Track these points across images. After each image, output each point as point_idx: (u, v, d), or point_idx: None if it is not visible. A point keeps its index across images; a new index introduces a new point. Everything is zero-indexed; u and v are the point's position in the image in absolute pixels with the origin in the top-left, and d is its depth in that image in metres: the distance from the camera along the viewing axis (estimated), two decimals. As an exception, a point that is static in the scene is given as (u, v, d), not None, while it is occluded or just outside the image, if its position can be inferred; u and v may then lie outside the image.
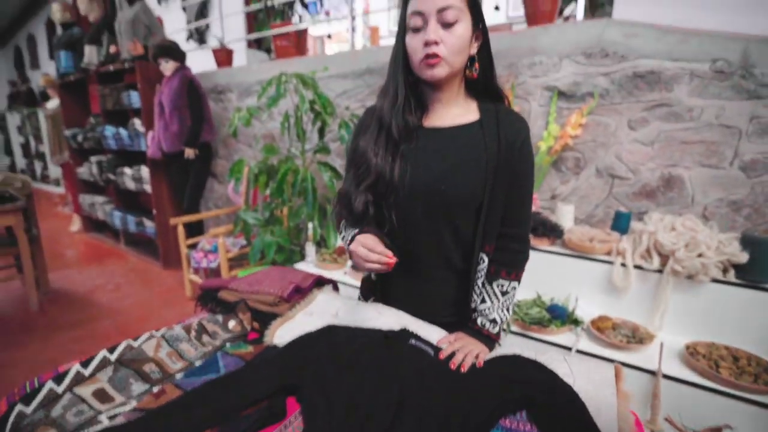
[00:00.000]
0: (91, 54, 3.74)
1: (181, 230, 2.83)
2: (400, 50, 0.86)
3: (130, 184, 3.65)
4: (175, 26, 4.50)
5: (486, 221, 0.87)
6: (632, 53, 1.77)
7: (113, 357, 0.89)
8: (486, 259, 0.90)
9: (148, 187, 3.44)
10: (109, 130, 3.68)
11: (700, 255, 1.41)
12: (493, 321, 0.91)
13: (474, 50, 0.85)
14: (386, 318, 0.95)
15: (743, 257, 1.38)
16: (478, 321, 0.92)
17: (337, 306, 1.06)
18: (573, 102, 1.92)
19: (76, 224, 4.79)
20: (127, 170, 3.65)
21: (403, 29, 0.85)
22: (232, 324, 1.12)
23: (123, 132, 3.55)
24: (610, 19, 1.81)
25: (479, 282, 0.91)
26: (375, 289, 1.07)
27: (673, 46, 1.69)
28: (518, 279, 0.92)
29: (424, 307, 0.98)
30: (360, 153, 0.91)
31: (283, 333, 0.98)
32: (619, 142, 1.84)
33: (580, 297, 1.67)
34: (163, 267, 3.52)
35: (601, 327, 1.51)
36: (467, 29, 0.81)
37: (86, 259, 3.88)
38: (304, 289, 1.22)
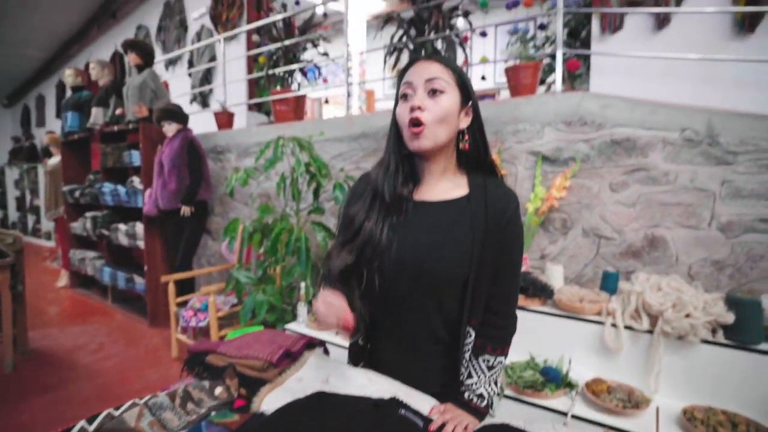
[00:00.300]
0: (97, 115, 3.91)
1: (171, 287, 2.80)
2: (394, 123, 0.91)
3: (124, 240, 3.65)
4: (181, 90, 4.75)
5: (473, 296, 0.87)
6: (608, 122, 1.90)
7: (92, 428, 0.86)
8: (473, 333, 0.90)
9: (141, 243, 3.45)
10: (107, 187, 3.76)
11: (687, 315, 1.43)
12: (480, 396, 0.89)
13: (464, 125, 0.89)
14: (377, 386, 0.93)
15: (730, 318, 1.40)
16: (466, 395, 0.90)
17: (328, 371, 1.05)
18: (557, 166, 2.02)
19: (63, 279, 4.71)
20: (122, 226, 3.67)
21: (395, 102, 0.90)
22: (218, 391, 1.09)
23: (121, 189, 3.62)
24: (586, 93, 1.96)
25: (466, 356, 0.91)
26: (363, 354, 1.06)
27: (645, 116, 1.83)
28: (504, 354, 0.91)
29: (412, 378, 0.96)
30: (351, 217, 0.93)
31: (272, 399, 0.96)
32: (602, 203, 1.92)
33: (573, 358, 1.64)
34: (150, 325, 3.43)
35: (596, 390, 1.49)
36: (454, 102, 0.85)
37: (70, 317, 3.78)
38: (294, 353, 1.20)
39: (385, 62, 3.06)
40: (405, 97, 0.87)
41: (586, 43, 2.82)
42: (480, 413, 0.89)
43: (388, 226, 0.89)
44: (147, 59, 3.50)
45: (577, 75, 2.93)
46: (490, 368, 0.90)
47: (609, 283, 1.75)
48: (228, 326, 2.66)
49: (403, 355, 0.96)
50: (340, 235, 0.96)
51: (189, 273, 3.02)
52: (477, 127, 0.91)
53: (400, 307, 0.91)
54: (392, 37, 2.86)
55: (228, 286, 2.47)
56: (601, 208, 1.92)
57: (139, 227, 3.46)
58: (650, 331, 1.50)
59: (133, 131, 3.53)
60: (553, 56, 2.61)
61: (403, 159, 0.92)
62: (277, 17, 3.51)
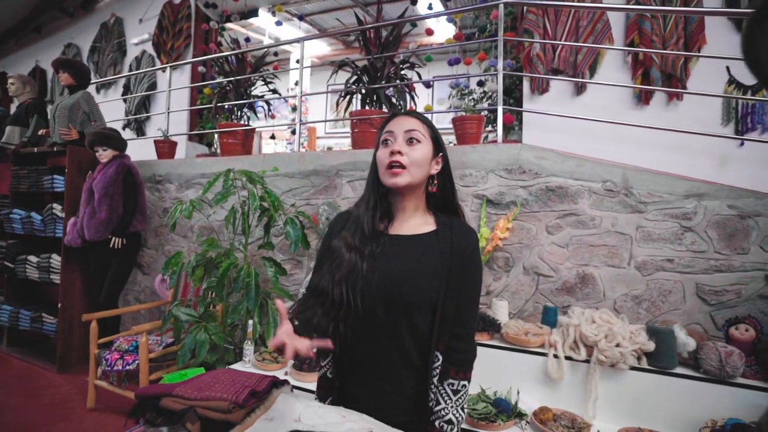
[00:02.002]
0: (12, 134, 3.53)
1: (93, 327, 2.51)
2: (374, 165, 1.01)
3: (33, 274, 3.23)
4: (113, 115, 4.46)
5: (440, 320, 0.95)
6: (544, 171, 2.14)
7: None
8: (440, 358, 0.96)
9: (56, 278, 3.07)
10: (18, 213, 3.34)
11: (617, 345, 1.61)
12: (449, 422, 0.94)
13: (435, 171, 1.02)
14: (352, 423, 0.94)
15: (651, 346, 1.60)
16: (436, 423, 0.95)
17: (299, 409, 1.02)
18: (500, 209, 2.21)
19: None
20: (32, 258, 3.25)
21: (376, 147, 1.02)
22: (177, 436, 1.01)
23: (36, 216, 3.24)
24: (524, 145, 2.21)
25: (435, 380, 0.96)
26: (332, 388, 1.06)
27: (573, 168, 2.09)
28: (467, 378, 0.98)
29: (382, 405, 0.99)
30: (334, 250, 0.99)
31: (243, 442, 0.91)
32: (540, 244, 2.12)
33: (521, 388, 1.75)
34: (58, 371, 3.01)
35: (543, 419, 1.59)
36: (428, 151, 0.99)
37: (-49, 366, 3.18)
38: (260, 393, 1.16)
39: (327, 102, 3.19)
40: (386, 143, 0.99)
41: (519, 101, 3.18)
42: None
43: (368, 256, 0.96)
44: (81, 80, 3.28)
45: (511, 127, 3.28)
46: (455, 392, 0.96)
47: (549, 317, 1.91)
48: (160, 369, 2.43)
49: (375, 381, 0.99)
50: (323, 268, 0.99)
51: (117, 310, 2.74)
52: (446, 174, 1.05)
53: (377, 331, 0.96)
54: (347, 82, 3.00)
55: (165, 324, 2.29)
56: (539, 248, 2.12)
57: (56, 259, 3.10)
58: (587, 361, 1.66)
59: (57, 154, 3.23)
60: (492, 110, 2.91)
61: (381, 196, 1.02)
62: (231, 52, 3.51)
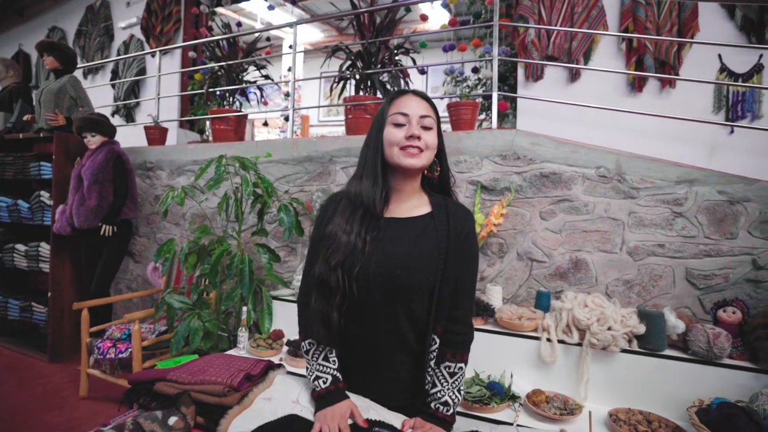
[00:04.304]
0: (-5, 120, 3.44)
1: (85, 315, 2.49)
2: (380, 142, 0.98)
3: (22, 263, 3.18)
4: (101, 101, 4.37)
5: (438, 303, 0.95)
6: (538, 157, 2.14)
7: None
8: (437, 341, 0.96)
9: (45, 266, 3.03)
10: (4, 201, 3.27)
11: (609, 328, 1.63)
12: (446, 403, 0.95)
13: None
14: None
15: (642, 329, 1.62)
16: (432, 405, 0.95)
17: (297, 391, 1.03)
18: (494, 195, 2.21)
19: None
20: (20, 247, 3.20)
21: (380, 124, 0.98)
22: (173, 420, 1.01)
23: (23, 204, 3.18)
24: (519, 131, 2.20)
25: (431, 364, 0.96)
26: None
27: (567, 154, 2.10)
28: (464, 360, 0.98)
29: (380, 389, 1.00)
30: (329, 235, 0.97)
31: (240, 423, 0.92)
32: (534, 230, 2.13)
33: (514, 372, 1.77)
34: (50, 361, 2.98)
35: (536, 401, 1.61)
36: (436, 137, 0.98)
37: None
38: (255, 376, 1.16)
39: (320, 90, 3.15)
40: (399, 124, 0.96)
41: (513, 88, 3.17)
42: (447, 423, 0.94)
43: (368, 238, 0.95)
44: (67, 64, 3.20)
45: (505, 114, 3.27)
46: (451, 375, 0.96)
47: (542, 302, 1.93)
48: (153, 357, 2.42)
49: (373, 365, 0.99)
50: (319, 255, 0.97)
51: (108, 299, 2.72)
52: (443, 158, 1.05)
53: (374, 316, 0.96)
54: (341, 67, 2.96)
55: (158, 311, 2.27)
56: (532, 234, 2.14)
57: (45, 248, 3.05)
58: (579, 344, 1.68)
59: (43, 140, 3.16)
60: (487, 97, 2.90)
61: (384, 175, 0.99)
62: (223, 36, 3.44)
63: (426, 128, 0.96)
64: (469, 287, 1.01)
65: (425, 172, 1.02)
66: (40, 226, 3.14)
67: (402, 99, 0.98)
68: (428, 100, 1.00)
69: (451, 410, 0.95)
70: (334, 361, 0.98)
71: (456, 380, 0.96)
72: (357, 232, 0.94)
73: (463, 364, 0.98)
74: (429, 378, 0.97)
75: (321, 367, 0.97)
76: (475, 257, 1.02)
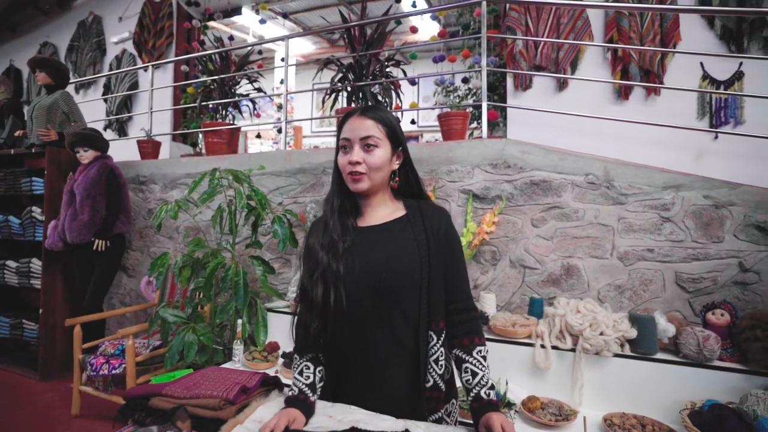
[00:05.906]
0: (-14, 136, 3.43)
1: (77, 332, 2.46)
2: (337, 167, 1.04)
3: (12, 279, 3.15)
4: (94, 116, 4.38)
5: (429, 300, 0.97)
6: (528, 166, 2.18)
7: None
8: (435, 338, 0.97)
9: (36, 283, 3.00)
10: (-5, 218, 3.25)
11: (601, 333, 1.65)
12: (492, 387, 0.95)
13: (396, 166, 1.05)
14: (336, 424, 0.94)
15: (633, 333, 1.65)
16: (482, 393, 0.92)
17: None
18: (486, 203, 2.24)
19: None
20: (11, 263, 3.17)
21: (336, 148, 1.04)
22: (168, 434, 1.00)
23: (14, 220, 3.16)
24: (509, 140, 2.24)
25: (460, 354, 0.97)
26: (325, 385, 1.07)
27: (556, 162, 2.14)
28: (484, 343, 1.00)
29: (378, 394, 1.00)
30: (309, 249, 1.03)
31: (236, 436, 0.92)
32: (526, 237, 2.16)
33: (509, 379, 1.78)
34: (40, 379, 2.94)
35: (531, 407, 1.62)
36: (386, 153, 1.00)
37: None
38: (251, 389, 1.16)
39: (313, 101, 3.18)
40: (344, 149, 1.01)
41: (503, 98, 3.22)
42: (497, 406, 0.93)
43: (342, 251, 0.98)
44: (59, 80, 3.21)
45: (495, 123, 3.32)
46: (484, 358, 0.98)
47: (536, 308, 1.95)
48: (146, 373, 2.39)
49: (370, 370, 1.00)
50: (306, 269, 1.03)
51: (101, 314, 2.69)
52: (408, 166, 1.08)
53: (366, 321, 0.97)
54: (332, 79, 3.00)
55: (152, 326, 2.26)
56: (525, 241, 2.16)
57: (36, 264, 3.03)
58: (573, 350, 1.70)
59: (35, 156, 3.15)
60: (477, 106, 2.94)
61: (346, 195, 1.05)
62: (215, 51, 3.47)
63: (370, 147, 0.98)
64: (462, 275, 1.04)
65: (390, 181, 1.06)
66: (32, 242, 3.12)
67: (346, 123, 1.02)
68: (374, 116, 1.00)
69: (494, 391, 0.95)
70: (307, 376, 1.02)
71: (487, 363, 0.98)
72: (329, 246, 0.98)
73: (485, 347, 0.99)
74: (464, 374, 0.96)
75: (295, 380, 1.03)
76: (458, 249, 1.05)
